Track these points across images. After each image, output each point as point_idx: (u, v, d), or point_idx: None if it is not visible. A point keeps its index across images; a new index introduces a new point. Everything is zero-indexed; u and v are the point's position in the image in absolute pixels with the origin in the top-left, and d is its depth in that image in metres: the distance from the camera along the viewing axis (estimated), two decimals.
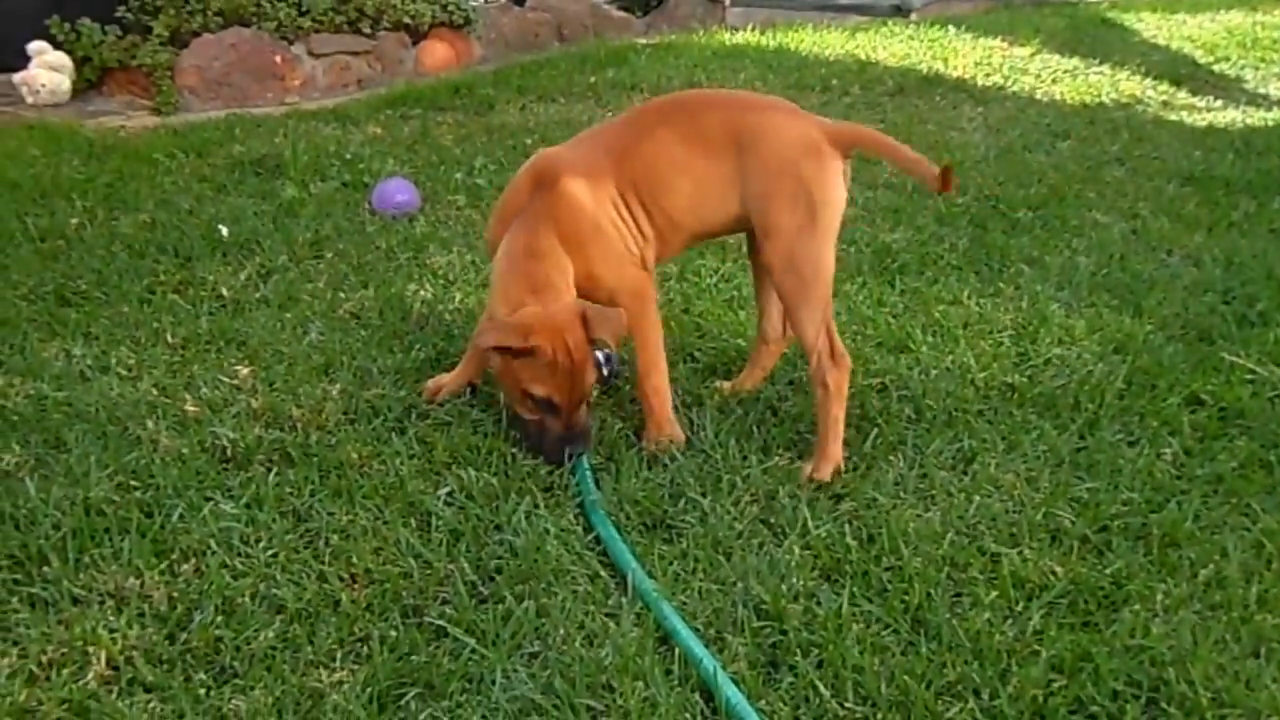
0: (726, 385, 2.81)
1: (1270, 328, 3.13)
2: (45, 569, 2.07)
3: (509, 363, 2.42)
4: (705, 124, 2.51)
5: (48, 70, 5.87)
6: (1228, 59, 6.94)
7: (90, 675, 1.83)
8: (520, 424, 2.53)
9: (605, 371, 2.78)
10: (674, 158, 2.50)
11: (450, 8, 7.02)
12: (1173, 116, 5.65)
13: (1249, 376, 2.86)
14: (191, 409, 2.65)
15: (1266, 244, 3.84)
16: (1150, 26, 7.91)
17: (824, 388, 2.45)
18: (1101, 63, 6.71)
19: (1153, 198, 4.34)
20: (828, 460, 2.43)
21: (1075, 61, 6.75)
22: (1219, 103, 5.95)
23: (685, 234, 2.60)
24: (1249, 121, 5.50)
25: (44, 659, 1.86)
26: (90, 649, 1.88)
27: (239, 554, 2.13)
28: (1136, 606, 2.02)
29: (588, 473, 2.38)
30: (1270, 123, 5.46)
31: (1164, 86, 6.24)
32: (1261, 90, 6.26)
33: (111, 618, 1.95)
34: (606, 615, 1.99)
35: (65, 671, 1.84)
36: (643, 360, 2.57)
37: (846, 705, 1.79)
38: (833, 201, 2.44)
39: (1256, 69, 6.71)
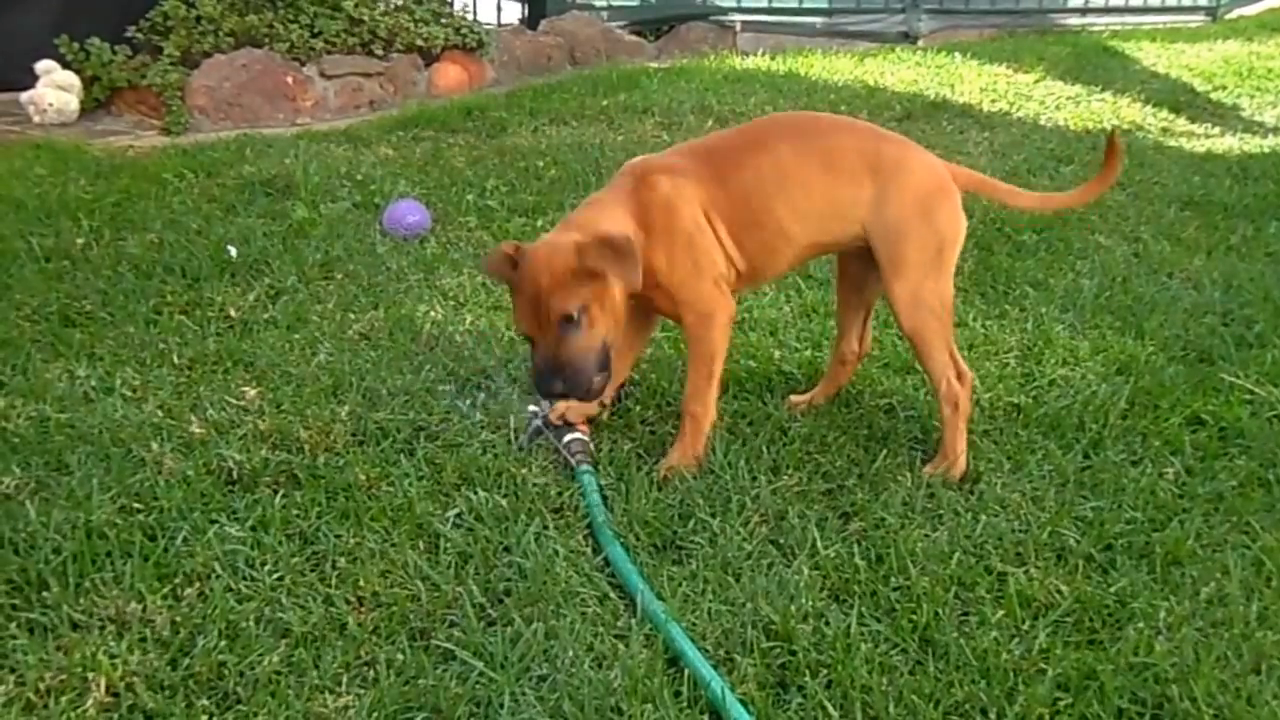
0: (798, 399, 2.81)
1: (1268, 349, 3.15)
2: (45, 594, 2.05)
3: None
4: (837, 145, 2.53)
5: (55, 89, 5.90)
6: (1225, 88, 6.99)
7: (89, 703, 1.82)
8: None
9: (609, 398, 2.77)
10: (795, 174, 2.50)
11: (463, 30, 7.06)
12: (1172, 143, 5.68)
13: (1248, 397, 2.88)
14: (197, 430, 2.65)
15: (1264, 267, 3.86)
16: (1150, 55, 7.96)
17: (953, 407, 2.52)
18: (1103, 90, 6.75)
19: (1153, 222, 4.36)
20: (957, 465, 2.52)
21: (1078, 88, 6.79)
22: (1217, 130, 5.98)
23: (796, 248, 2.56)
24: (1245, 148, 5.53)
25: (42, 686, 1.85)
26: (90, 675, 1.86)
27: (244, 577, 2.12)
28: (1140, 624, 2.02)
29: (596, 494, 2.38)
30: (1266, 149, 5.49)
31: (1164, 114, 6.27)
32: (1257, 118, 6.31)
33: (112, 643, 1.93)
34: (615, 637, 1.98)
35: (64, 699, 1.82)
36: (691, 383, 2.53)
37: None
38: (958, 240, 2.56)
39: (1252, 97, 6.76)
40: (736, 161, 2.51)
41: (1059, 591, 2.11)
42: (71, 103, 5.93)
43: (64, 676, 1.86)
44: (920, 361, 2.59)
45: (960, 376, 2.54)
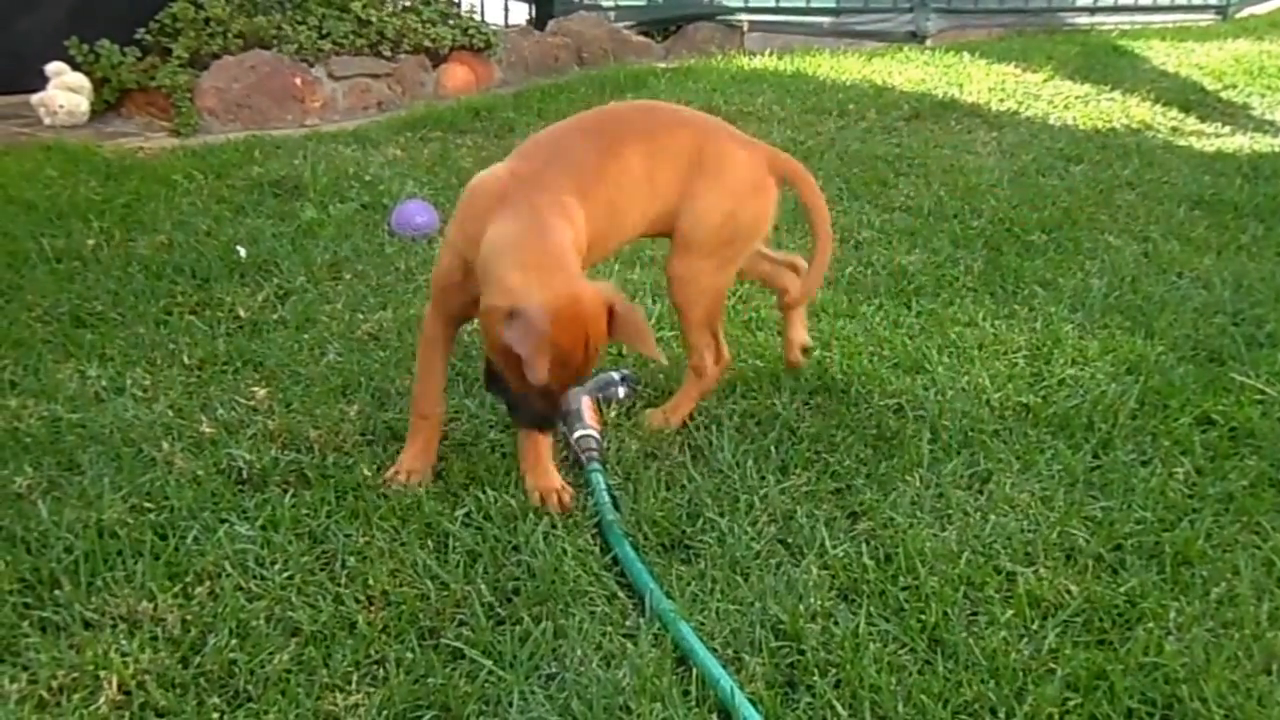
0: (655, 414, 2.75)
1: (1279, 349, 3.13)
2: (57, 592, 2.06)
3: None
4: (673, 143, 2.56)
5: (66, 91, 5.91)
6: (1235, 86, 6.97)
7: (102, 700, 1.82)
8: (498, 382, 2.29)
9: (623, 391, 2.78)
10: (643, 178, 2.51)
11: (471, 31, 7.07)
12: (1182, 142, 5.66)
13: (1259, 397, 2.87)
14: (207, 430, 2.66)
15: (1274, 267, 3.85)
16: (1160, 54, 7.94)
17: (698, 375, 2.71)
18: (1113, 89, 6.73)
19: (1163, 221, 4.35)
20: (671, 420, 2.69)
21: (1087, 88, 6.77)
22: (1227, 129, 5.97)
23: (627, 239, 2.67)
24: (1256, 147, 5.52)
25: (54, 684, 1.85)
26: (102, 674, 1.87)
27: (254, 576, 2.13)
28: (1150, 624, 2.02)
29: (605, 493, 2.38)
30: (1277, 148, 5.48)
31: (1173, 113, 6.25)
32: (1268, 117, 6.29)
33: (124, 642, 1.94)
34: (624, 636, 1.98)
35: (76, 697, 1.83)
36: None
37: None
38: (756, 237, 2.67)
39: (1263, 96, 6.74)
40: (597, 174, 2.43)
41: (1068, 591, 2.11)
42: (81, 104, 5.94)
43: (76, 674, 1.87)
44: (681, 331, 2.71)
45: (718, 359, 2.70)
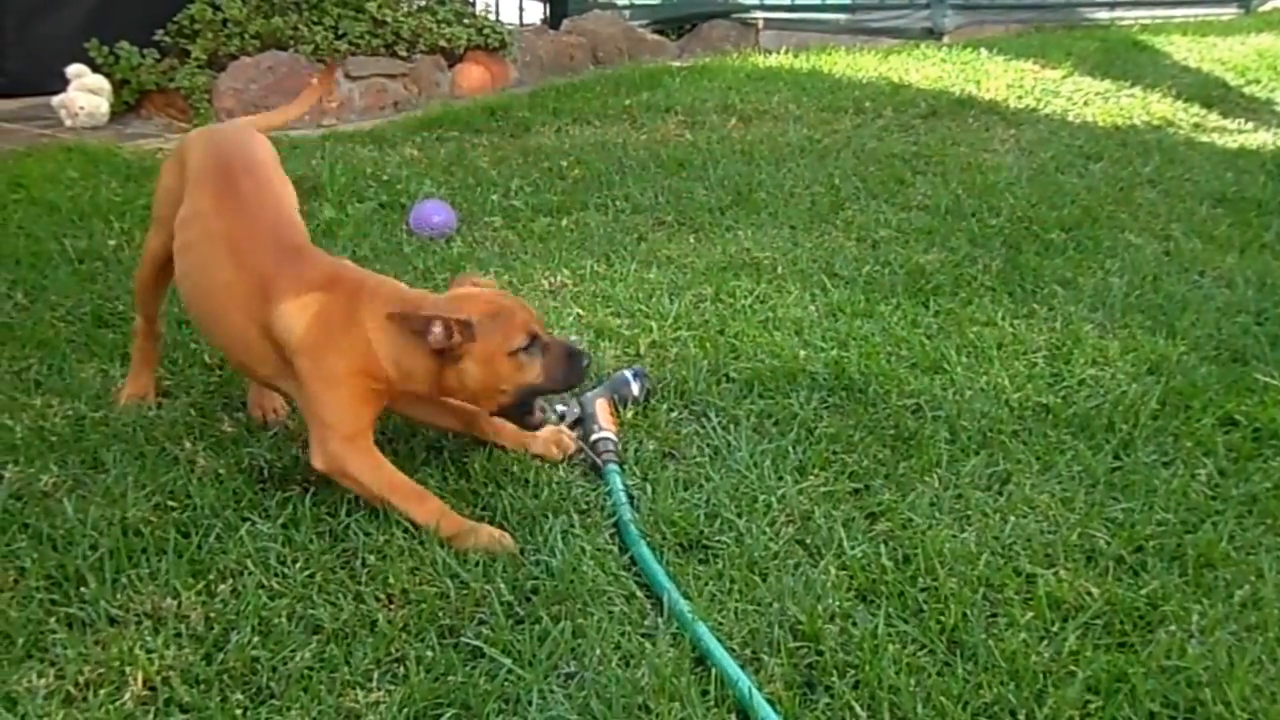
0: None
1: None
2: (83, 589, 2.09)
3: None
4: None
5: (86, 93, 5.96)
6: (1259, 81, 6.90)
7: (127, 696, 1.85)
8: (515, 403, 2.39)
9: (638, 389, 2.79)
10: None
11: (486, 31, 7.09)
12: (1204, 138, 5.62)
13: None
14: (229, 429, 2.69)
15: None
16: (1181, 49, 7.88)
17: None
18: (1133, 85, 6.69)
19: (1185, 219, 4.32)
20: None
21: (1107, 84, 6.73)
22: (1250, 125, 5.91)
23: None
24: None
25: (81, 679, 1.88)
26: (127, 669, 1.89)
27: (276, 574, 2.15)
28: (1172, 627, 2.00)
29: (623, 493, 2.39)
30: None
31: (1195, 109, 6.20)
32: None
33: (148, 638, 1.97)
34: (643, 636, 1.98)
35: (102, 692, 1.85)
36: None
37: None
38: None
39: None
40: None
41: (1089, 593, 2.10)
42: (102, 106, 5.99)
43: (102, 670, 1.89)
44: None
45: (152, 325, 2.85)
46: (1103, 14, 9.58)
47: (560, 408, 2.70)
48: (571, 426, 2.66)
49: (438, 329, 2.27)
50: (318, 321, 2.35)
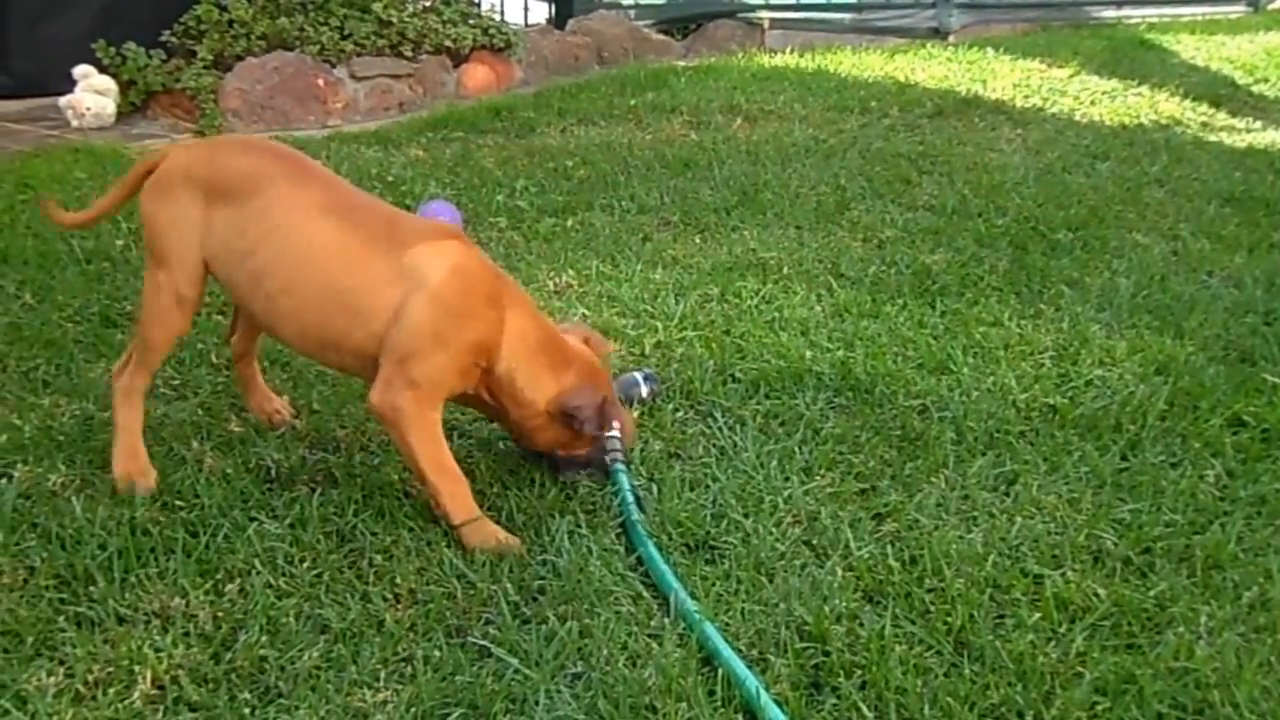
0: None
1: None
2: (91, 588, 2.09)
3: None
4: None
5: (93, 94, 5.97)
6: (1267, 80, 6.89)
7: (136, 695, 1.85)
8: (566, 462, 2.48)
9: (646, 390, 2.79)
10: None
11: (491, 31, 7.09)
12: (1212, 138, 5.61)
13: None
14: (236, 429, 2.69)
15: None
16: (1189, 48, 7.87)
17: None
18: (1140, 84, 6.68)
19: (1193, 219, 4.32)
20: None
21: (1114, 83, 6.72)
22: (1259, 124, 5.91)
23: None
24: None
25: (90, 678, 1.88)
26: (136, 668, 1.89)
27: (283, 574, 2.15)
28: (1180, 629, 2.00)
29: (629, 494, 2.39)
30: None
31: (1203, 108, 6.20)
32: None
33: (157, 637, 1.97)
34: (649, 636, 1.99)
35: (111, 691, 1.86)
36: None
37: None
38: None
39: None
40: None
41: (1096, 595, 2.10)
42: (108, 107, 6.00)
43: (111, 669, 1.90)
44: None
45: None
46: (1109, 12, 9.57)
47: None
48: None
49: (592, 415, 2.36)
50: (458, 275, 2.29)
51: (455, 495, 2.27)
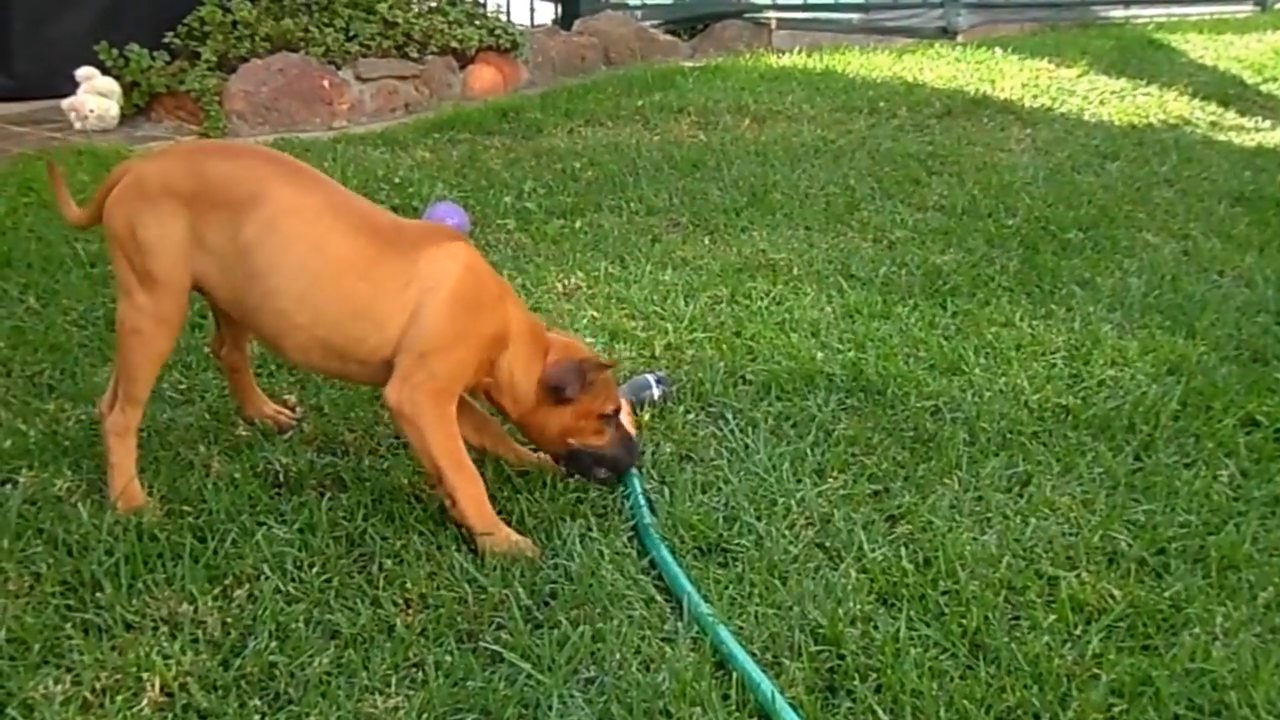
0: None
1: None
2: (98, 595, 2.08)
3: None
4: None
5: (96, 96, 5.96)
6: (1276, 79, 6.87)
7: (144, 702, 1.84)
8: (585, 457, 2.45)
9: (658, 393, 2.77)
10: None
11: (497, 32, 7.08)
12: (1221, 137, 5.59)
13: None
14: (243, 433, 2.68)
15: None
16: (1197, 47, 7.84)
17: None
18: (1149, 84, 6.66)
19: (1203, 218, 4.30)
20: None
21: (1123, 82, 6.70)
22: (1268, 123, 5.89)
23: None
24: None
25: (98, 686, 1.87)
26: (144, 675, 1.88)
27: (292, 579, 2.14)
28: (1196, 629, 1.99)
29: (641, 496, 2.37)
30: None
31: (1212, 107, 6.18)
32: None
33: (165, 644, 1.95)
34: (663, 640, 1.97)
35: (119, 698, 1.84)
36: None
37: None
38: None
39: None
40: None
41: (1111, 596, 2.08)
42: (112, 109, 5.99)
43: (119, 676, 1.88)
44: None
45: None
46: (1118, 12, 9.55)
47: None
48: None
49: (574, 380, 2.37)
50: (472, 274, 2.34)
51: (473, 497, 2.26)
